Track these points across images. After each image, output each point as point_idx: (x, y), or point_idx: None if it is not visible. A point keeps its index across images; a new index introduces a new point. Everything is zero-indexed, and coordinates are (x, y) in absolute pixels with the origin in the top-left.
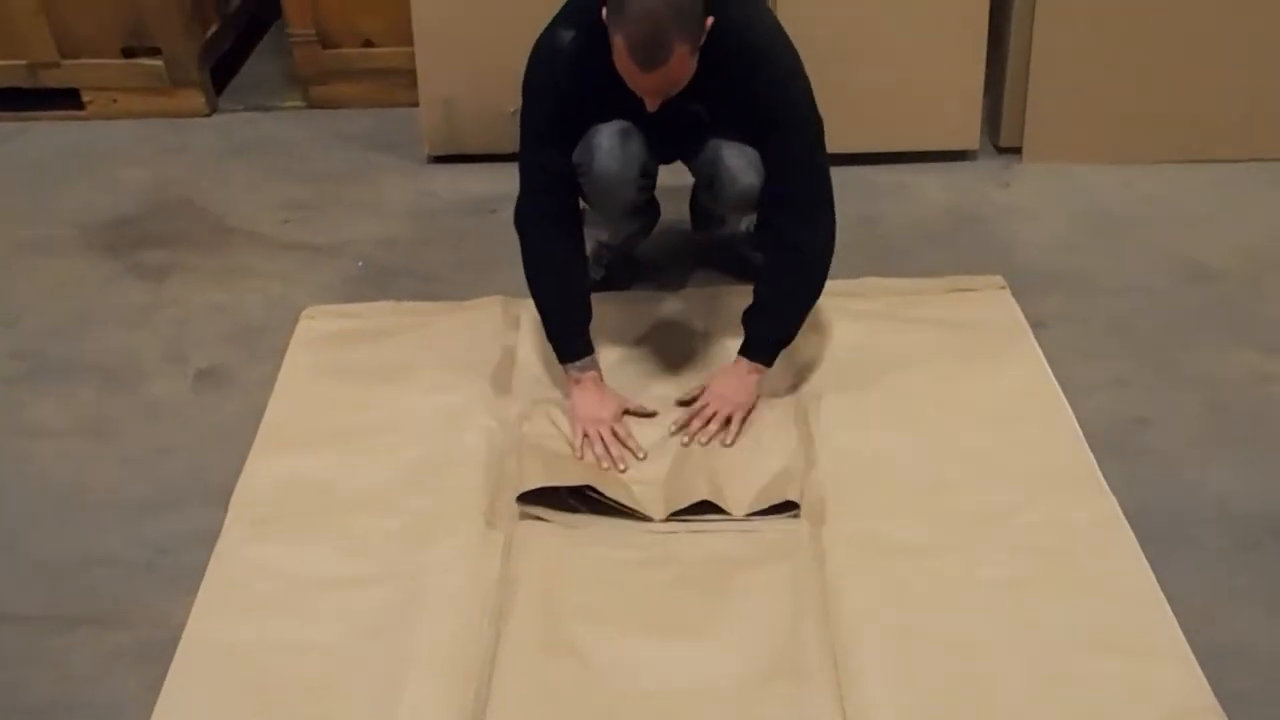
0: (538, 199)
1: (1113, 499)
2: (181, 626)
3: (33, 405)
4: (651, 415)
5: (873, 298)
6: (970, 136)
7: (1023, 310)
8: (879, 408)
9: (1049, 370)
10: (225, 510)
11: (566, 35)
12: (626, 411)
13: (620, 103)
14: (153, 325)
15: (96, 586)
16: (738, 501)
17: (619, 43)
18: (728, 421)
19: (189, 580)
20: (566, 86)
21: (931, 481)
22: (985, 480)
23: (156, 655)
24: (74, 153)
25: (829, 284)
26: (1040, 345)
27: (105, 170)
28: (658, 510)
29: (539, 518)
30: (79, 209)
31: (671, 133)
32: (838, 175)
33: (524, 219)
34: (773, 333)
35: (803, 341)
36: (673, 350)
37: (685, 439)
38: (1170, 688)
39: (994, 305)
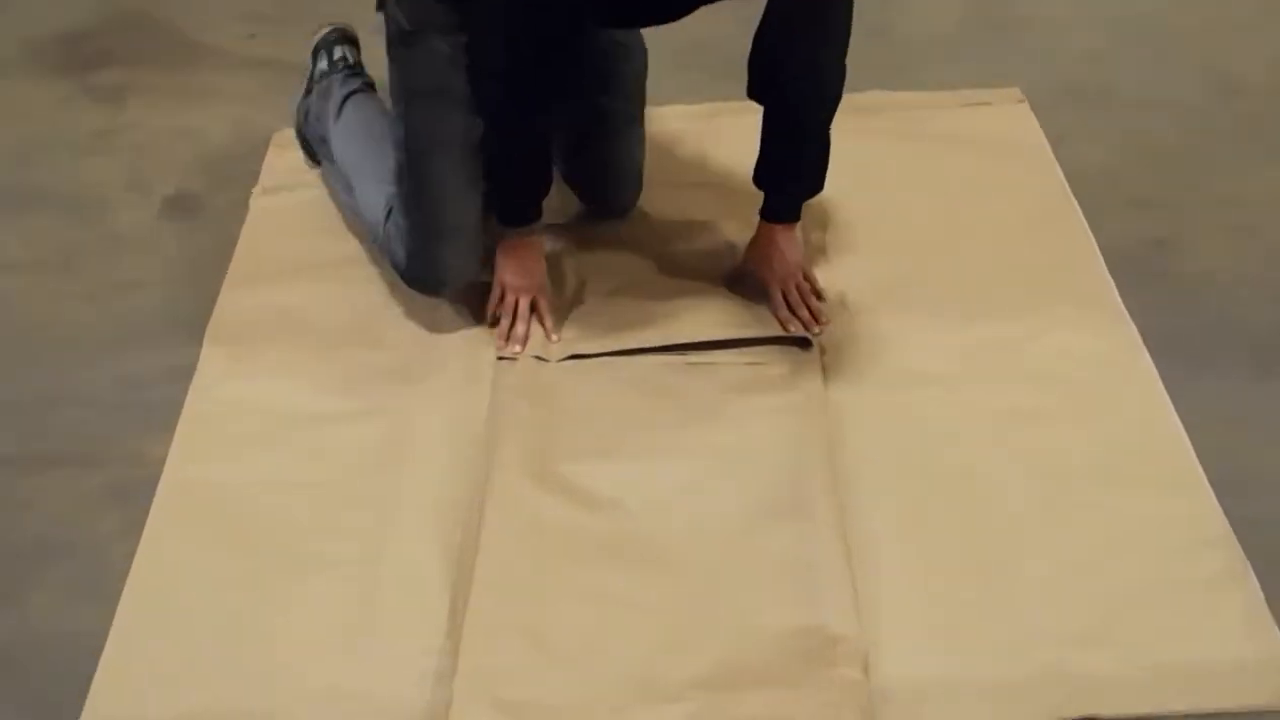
0: (521, 88)
1: (1131, 325)
2: (159, 465)
3: None
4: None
5: (879, 113)
6: None
7: (1042, 125)
8: (886, 232)
9: (1068, 189)
10: (199, 345)
11: None
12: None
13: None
14: (112, 151)
15: (68, 426)
16: (745, 327)
17: None
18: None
19: (164, 418)
20: None
21: (942, 307)
22: (998, 306)
23: (134, 495)
24: None
25: None
26: (1059, 163)
27: None
28: (655, 338)
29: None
30: (23, 22)
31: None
32: None
33: (498, 68)
34: (803, 187)
35: None
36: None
37: (792, 329)
38: (1184, 518)
39: (1011, 120)
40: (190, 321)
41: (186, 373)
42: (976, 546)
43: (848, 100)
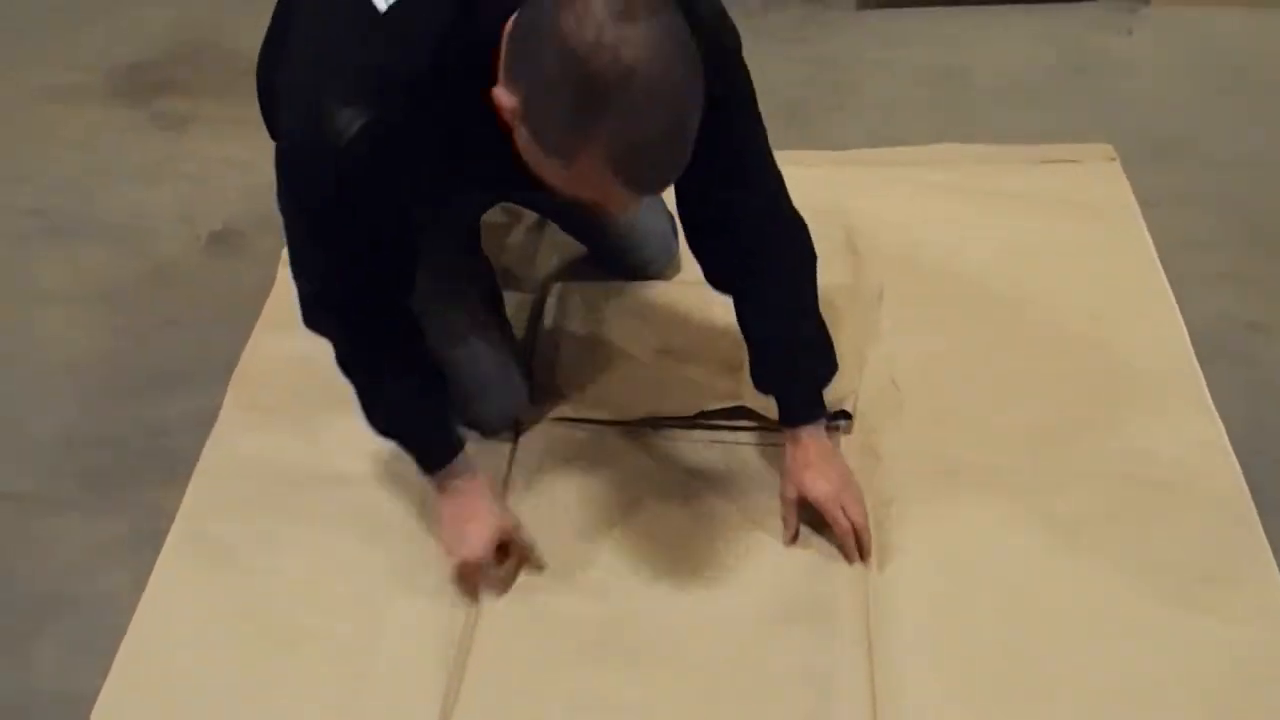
0: (363, 340)
1: (1216, 420)
2: (173, 518)
3: (42, 267)
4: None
5: (950, 167)
6: None
7: (1132, 186)
8: (945, 301)
9: (1156, 260)
10: (226, 390)
11: (349, 119)
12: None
13: (455, 191)
14: (168, 181)
15: (89, 469)
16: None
17: (599, 162)
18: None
19: (185, 466)
20: (364, 193)
21: (1003, 391)
22: (1063, 391)
23: (146, 547)
24: None
25: (897, 152)
26: (1148, 229)
27: (126, 8)
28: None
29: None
30: (99, 51)
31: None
32: (926, 16)
33: (354, 364)
34: (817, 373)
35: (861, 223)
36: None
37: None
38: (1266, 656)
39: (1099, 180)
40: (221, 364)
41: (211, 418)
42: (1016, 671)
43: (914, 151)
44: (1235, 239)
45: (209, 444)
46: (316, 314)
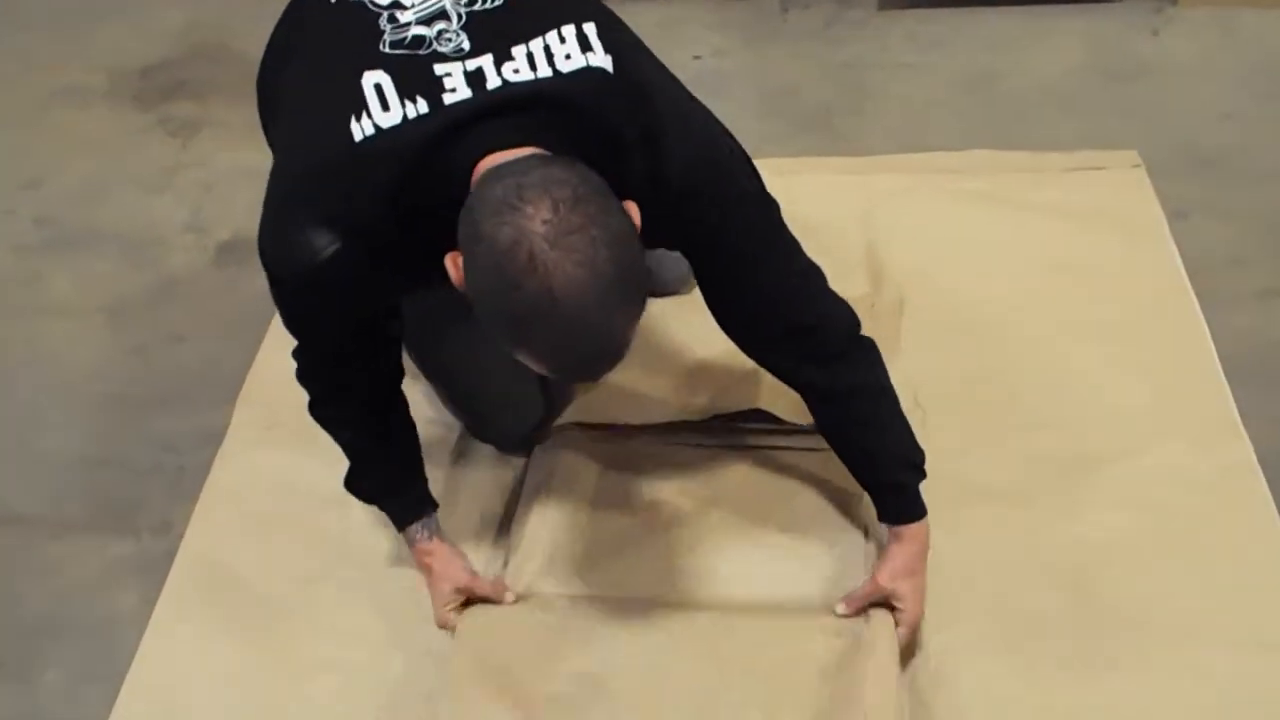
0: (337, 406)
1: (1247, 444)
2: (182, 538)
3: (49, 279)
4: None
5: (980, 175)
6: None
7: (1160, 196)
8: (967, 316)
9: (1184, 275)
10: (235, 408)
11: (323, 244)
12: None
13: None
14: (176, 189)
15: (100, 489)
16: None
17: (534, 363)
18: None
19: (194, 486)
20: (340, 305)
21: (1027, 412)
22: (1086, 413)
23: (156, 569)
24: None
25: (921, 158)
26: (1178, 242)
27: (137, 10)
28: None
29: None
30: (109, 53)
31: None
32: (949, 18)
33: (327, 419)
34: (906, 467)
35: (884, 232)
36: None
37: None
38: None
39: (1124, 189)
40: (229, 380)
41: (219, 436)
42: (1042, 696)
43: (945, 158)
44: (1268, 253)
45: (217, 463)
46: (299, 372)
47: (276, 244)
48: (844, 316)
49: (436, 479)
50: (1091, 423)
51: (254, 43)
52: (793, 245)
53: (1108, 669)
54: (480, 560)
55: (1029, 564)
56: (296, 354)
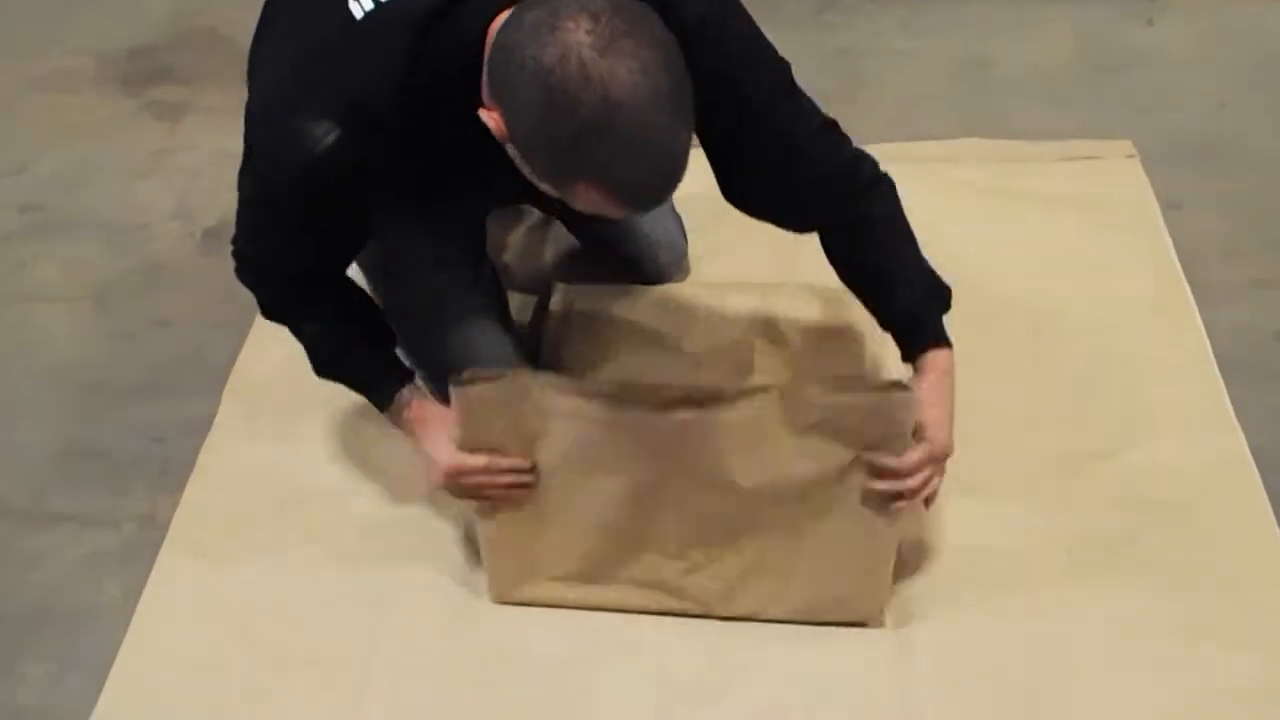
0: (285, 291)
1: (1241, 437)
2: (166, 530)
3: (34, 266)
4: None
5: (973, 164)
6: None
7: (1154, 186)
8: (963, 314)
9: (1178, 266)
10: (220, 396)
11: (321, 133)
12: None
13: (444, 198)
14: (163, 174)
15: (84, 479)
16: None
17: (595, 191)
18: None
19: (179, 476)
20: (328, 202)
21: (1020, 409)
22: (1078, 408)
23: (140, 561)
24: None
25: (915, 147)
26: (1171, 233)
27: None
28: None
29: None
30: (95, 36)
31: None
32: (942, 5)
33: (280, 311)
34: (931, 297)
35: None
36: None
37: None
38: None
39: (1118, 179)
40: (216, 368)
41: (206, 425)
42: (1034, 697)
43: (935, 147)
44: (1261, 244)
45: (203, 452)
46: (242, 270)
47: (270, 137)
48: (868, 156)
49: (404, 450)
50: (1084, 416)
51: (242, 28)
52: (810, 100)
53: (1097, 664)
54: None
55: (1021, 559)
56: (253, 256)
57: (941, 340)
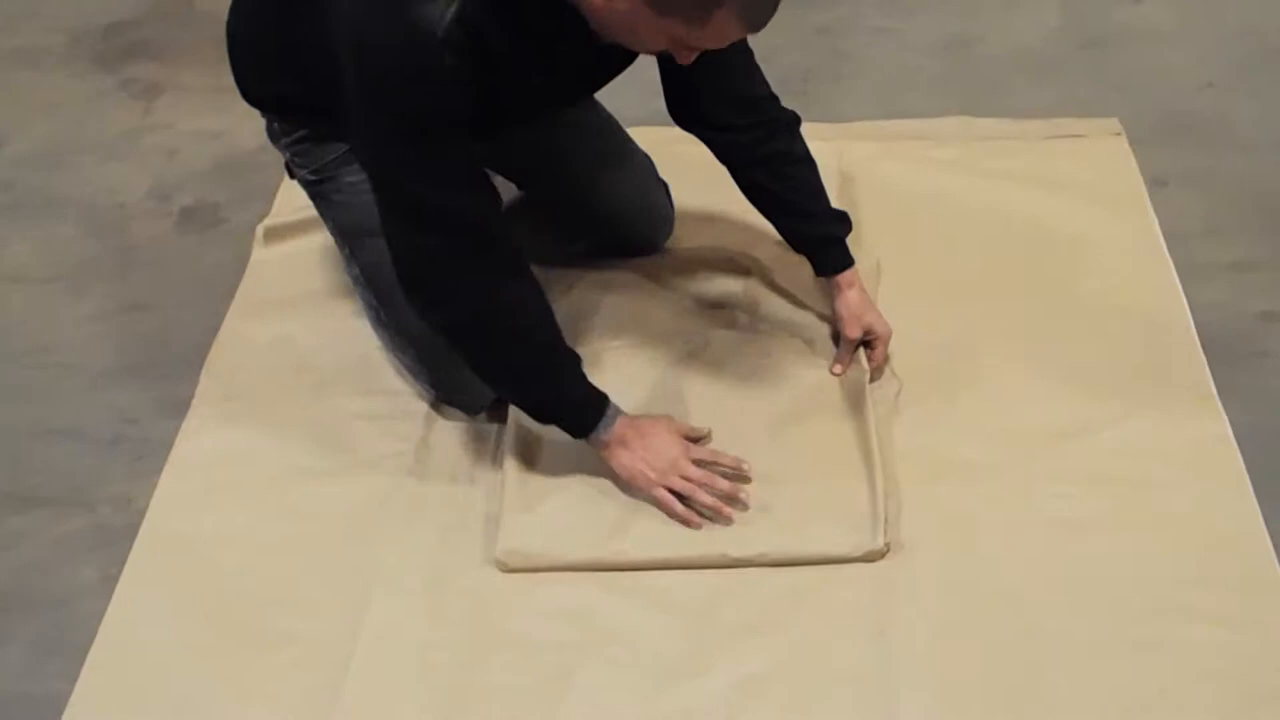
0: (468, 257)
1: (1222, 416)
2: (143, 513)
3: (7, 246)
4: (704, 435)
5: (953, 143)
6: None
7: (1140, 164)
8: (939, 289)
9: (1163, 245)
10: (198, 378)
11: (440, 11)
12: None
13: (519, 83)
14: (138, 154)
15: (58, 462)
16: None
17: (732, 16)
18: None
19: (155, 460)
20: (463, 82)
21: (1002, 386)
22: (1061, 387)
23: (116, 544)
24: None
25: (900, 125)
26: (1156, 211)
27: None
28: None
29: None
30: (69, 12)
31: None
32: None
33: (459, 297)
34: (838, 220)
35: (860, 199)
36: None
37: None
38: (1272, 665)
39: (1104, 158)
40: (192, 350)
41: (183, 408)
42: (1015, 677)
43: (918, 125)
44: (1244, 224)
45: (180, 435)
46: (437, 268)
47: (385, 31)
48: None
49: (407, 451)
50: (1066, 394)
51: (220, 2)
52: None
53: (1078, 643)
54: (461, 523)
55: (1001, 537)
56: (433, 211)
57: (850, 260)
